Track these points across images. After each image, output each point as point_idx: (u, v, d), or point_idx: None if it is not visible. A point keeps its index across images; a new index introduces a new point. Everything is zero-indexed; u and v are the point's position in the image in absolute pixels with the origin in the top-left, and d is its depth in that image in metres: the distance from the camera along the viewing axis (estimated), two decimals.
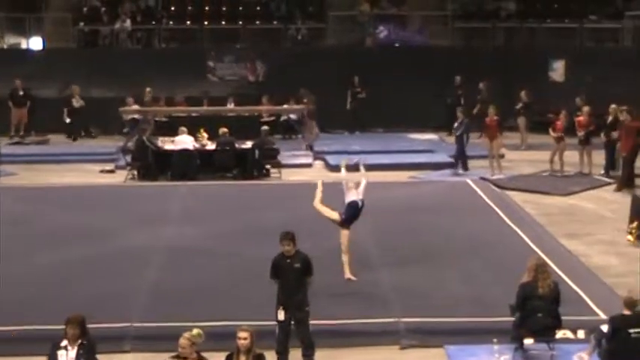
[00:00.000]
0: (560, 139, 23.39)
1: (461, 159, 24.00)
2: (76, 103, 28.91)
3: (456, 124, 24.09)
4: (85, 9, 32.61)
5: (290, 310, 11.55)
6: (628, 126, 21.94)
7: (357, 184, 15.11)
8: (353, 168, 15.72)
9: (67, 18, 31.87)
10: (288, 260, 11.67)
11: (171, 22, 32.72)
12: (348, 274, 14.66)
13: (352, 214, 14.87)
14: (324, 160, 25.85)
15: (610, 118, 23.34)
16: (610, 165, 23.54)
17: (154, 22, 32.46)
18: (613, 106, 23.35)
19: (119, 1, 32.41)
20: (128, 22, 31.59)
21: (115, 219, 18.76)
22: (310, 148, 27.02)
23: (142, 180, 23.55)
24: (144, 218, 18.74)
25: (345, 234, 14.77)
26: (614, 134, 22.96)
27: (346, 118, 30.34)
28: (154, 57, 31.09)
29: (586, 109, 23.90)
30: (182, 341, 9.80)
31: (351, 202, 14.87)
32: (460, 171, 23.86)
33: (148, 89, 28.64)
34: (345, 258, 14.71)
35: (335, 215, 14.86)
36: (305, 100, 27.35)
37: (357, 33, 32.65)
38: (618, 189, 21.85)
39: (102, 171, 24.71)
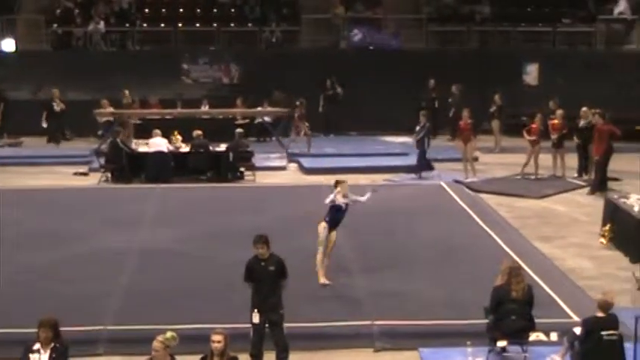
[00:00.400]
0: (535, 142, 23.47)
1: (424, 162, 23.99)
2: (57, 106, 28.63)
3: (417, 128, 23.98)
4: (58, 11, 32.42)
5: (264, 313, 11.53)
6: (600, 129, 22.03)
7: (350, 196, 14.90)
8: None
9: (39, 20, 31.75)
10: (263, 263, 11.64)
11: (145, 25, 32.62)
12: (322, 279, 14.61)
13: (335, 216, 14.70)
14: (298, 162, 25.86)
15: (582, 122, 23.43)
16: (583, 168, 23.65)
17: (127, 25, 32.36)
18: (584, 109, 23.45)
19: (92, 3, 32.31)
20: (102, 24, 31.48)
21: (88, 221, 18.68)
22: (287, 151, 26.94)
23: (116, 182, 23.49)
24: (117, 221, 18.67)
25: (331, 235, 14.72)
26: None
27: (321, 120, 30.34)
28: (127, 59, 31.00)
29: (559, 112, 24.01)
30: (156, 344, 9.75)
31: (335, 206, 14.66)
32: (429, 173, 23.87)
33: (126, 91, 28.55)
34: (319, 257, 14.62)
35: (321, 228, 14.65)
36: (297, 103, 27.33)
37: (332, 36, 32.70)
38: (591, 192, 21.96)
39: (75, 173, 24.61)
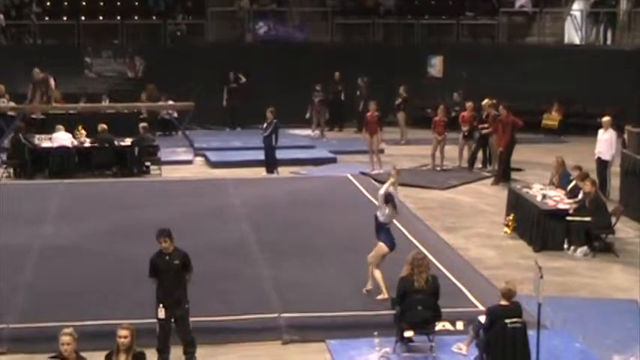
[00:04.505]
0: (440, 133, 23.71)
1: (271, 161, 23.57)
2: (3, 104, 27.59)
3: (264, 125, 23.44)
4: None
5: (169, 308, 11.44)
6: (504, 121, 22.34)
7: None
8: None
9: None
10: (167, 257, 11.53)
11: (47, 18, 32.07)
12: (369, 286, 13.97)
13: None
14: (204, 156, 25.74)
15: (485, 113, 23.72)
16: (487, 159, 23.96)
17: (29, 18, 31.76)
18: (485, 101, 23.75)
19: None
20: (1, 17, 30.85)
21: None
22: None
23: (19, 178, 23.11)
24: (20, 217, 18.32)
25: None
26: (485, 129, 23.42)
27: (226, 114, 30.25)
28: (29, 53, 30.37)
29: (469, 104, 24.25)
30: (65, 337, 9.59)
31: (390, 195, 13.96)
32: (275, 174, 23.50)
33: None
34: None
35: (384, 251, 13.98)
36: (317, 88, 27.34)
37: (237, 29, 32.59)
38: (495, 182, 22.28)
39: None
